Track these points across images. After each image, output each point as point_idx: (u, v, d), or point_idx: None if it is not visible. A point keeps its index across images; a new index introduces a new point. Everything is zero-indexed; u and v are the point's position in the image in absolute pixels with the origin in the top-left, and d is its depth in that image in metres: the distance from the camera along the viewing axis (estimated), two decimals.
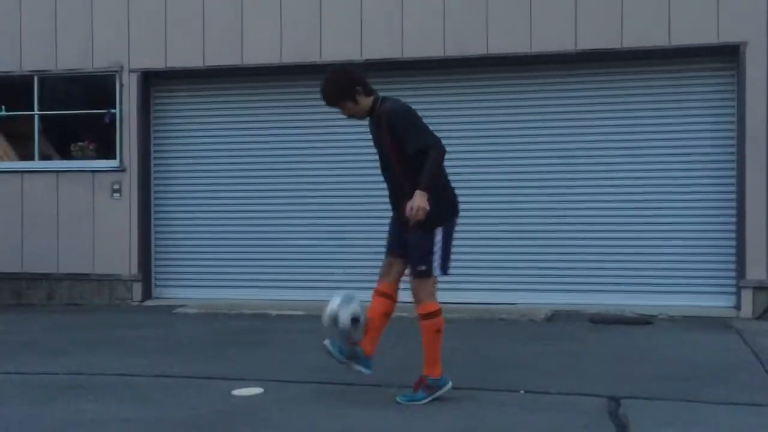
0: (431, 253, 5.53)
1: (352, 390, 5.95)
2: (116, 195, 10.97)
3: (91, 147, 11.24)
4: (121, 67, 10.94)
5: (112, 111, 11.00)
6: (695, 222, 9.84)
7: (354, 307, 5.58)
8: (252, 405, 5.67)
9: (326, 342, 5.61)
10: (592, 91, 10.13)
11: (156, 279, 11.21)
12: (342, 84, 5.60)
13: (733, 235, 9.65)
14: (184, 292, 11.05)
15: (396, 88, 9.22)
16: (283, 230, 10.83)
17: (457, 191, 5.77)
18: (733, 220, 9.65)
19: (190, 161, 11.14)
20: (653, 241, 9.92)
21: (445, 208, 5.55)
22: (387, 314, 5.74)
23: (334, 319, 5.56)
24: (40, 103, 11.31)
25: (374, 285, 5.79)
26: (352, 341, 5.60)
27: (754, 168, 9.40)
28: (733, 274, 9.64)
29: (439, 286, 5.73)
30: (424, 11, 10.17)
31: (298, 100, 10.60)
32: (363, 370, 5.64)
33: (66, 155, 11.42)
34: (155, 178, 11.19)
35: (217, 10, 10.70)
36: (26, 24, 11.19)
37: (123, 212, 10.94)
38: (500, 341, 8.03)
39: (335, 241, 10.58)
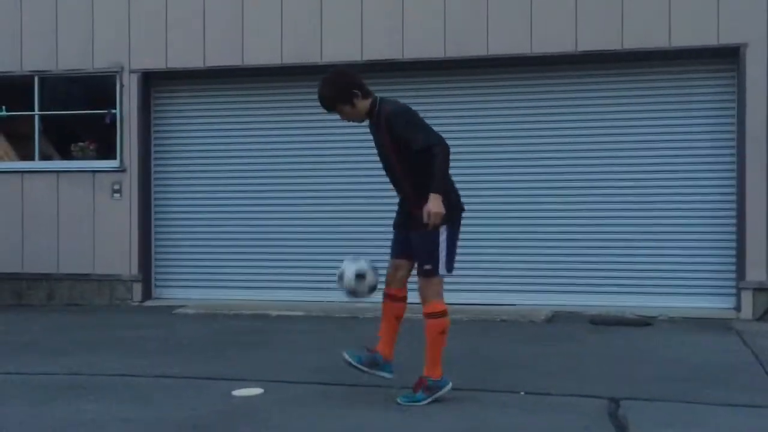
0: (436, 251, 5.53)
1: (352, 391, 5.95)
2: (116, 195, 10.98)
3: (91, 147, 11.24)
4: (122, 68, 10.94)
5: (113, 111, 11.00)
6: (695, 223, 9.84)
7: (361, 264, 5.69)
8: (252, 405, 5.67)
9: (345, 354, 5.67)
10: (592, 93, 10.13)
11: (156, 279, 11.21)
12: (339, 87, 5.58)
13: (734, 236, 9.65)
14: (184, 293, 11.06)
15: (396, 89, 9.24)
16: (283, 231, 10.83)
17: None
18: (734, 221, 9.65)
19: (191, 162, 11.14)
20: (653, 242, 9.92)
21: (449, 206, 5.54)
22: (399, 317, 5.79)
23: (341, 276, 5.68)
24: (40, 104, 11.31)
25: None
26: (354, 292, 5.71)
27: (754, 169, 9.40)
28: (733, 275, 9.64)
29: None
30: (425, 12, 10.17)
31: (299, 101, 10.58)
32: (385, 375, 5.72)
33: (66, 155, 11.42)
34: (155, 179, 11.19)
35: (218, 11, 10.70)
36: (27, 24, 11.19)
37: (123, 212, 10.94)
38: (500, 342, 8.04)
39: (336, 241, 10.57)
